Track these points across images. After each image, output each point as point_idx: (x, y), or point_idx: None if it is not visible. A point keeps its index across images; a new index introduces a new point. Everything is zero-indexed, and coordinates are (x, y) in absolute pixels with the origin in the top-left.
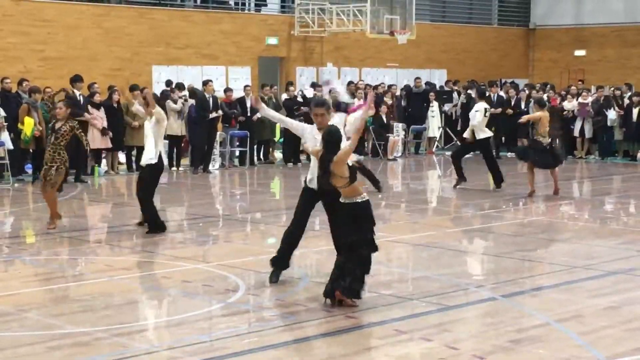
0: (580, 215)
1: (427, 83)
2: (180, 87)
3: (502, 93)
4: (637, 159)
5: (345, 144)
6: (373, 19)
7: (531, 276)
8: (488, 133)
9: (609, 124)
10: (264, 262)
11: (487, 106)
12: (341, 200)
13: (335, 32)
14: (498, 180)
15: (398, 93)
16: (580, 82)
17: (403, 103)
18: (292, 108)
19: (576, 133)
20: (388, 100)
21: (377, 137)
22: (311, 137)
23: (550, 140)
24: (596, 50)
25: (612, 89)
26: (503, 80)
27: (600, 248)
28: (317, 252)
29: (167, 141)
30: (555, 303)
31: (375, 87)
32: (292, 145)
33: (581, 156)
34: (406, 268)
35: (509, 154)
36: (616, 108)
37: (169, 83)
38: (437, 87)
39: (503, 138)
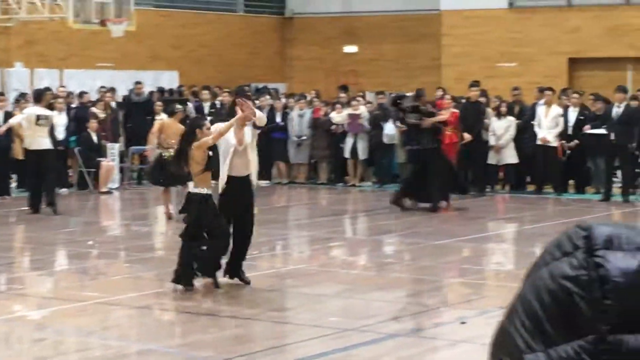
0: (354, 260)
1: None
2: None
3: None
4: None
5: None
6: (77, 4)
7: (288, 344)
8: None
9: (385, 140)
10: None
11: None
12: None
13: (26, 21)
14: None
15: (114, 103)
16: (343, 90)
17: (120, 117)
18: None
19: (347, 154)
20: (99, 112)
21: (84, 163)
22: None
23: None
24: (371, 45)
25: (393, 95)
26: (255, 86)
27: (379, 303)
28: None
29: None
30: None
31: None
32: None
33: (354, 184)
34: (127, 339)
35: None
36: (396, 121)
37: None
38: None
39: None
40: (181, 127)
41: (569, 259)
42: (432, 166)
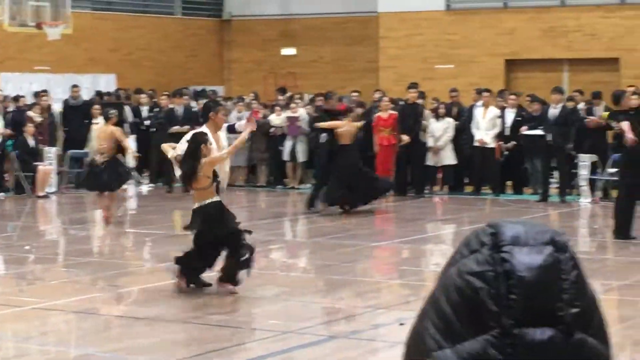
0: (293, 262)
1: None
2: None
3: (194, 104)
4: None
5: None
6: (13, 7)
7: (227, 348)
8: None
9: (321, 141)
10: None
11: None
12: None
13: None
14: None
15: (56, 106)
16: (281, 93)
17: (58, 120)
18: None
19: (286, 156)
20: (36, 116)
21: (22, 167)
22: None
23: (107, 159)
24: (310, 48)
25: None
26: (194, 89)
27: (318, 305)
28: None
29: None
30: None
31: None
32: None
33: (293, 186)
34: (65, 345)
35: None
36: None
37: None
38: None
39: None
40: (113, 130)
41: (475, 255)
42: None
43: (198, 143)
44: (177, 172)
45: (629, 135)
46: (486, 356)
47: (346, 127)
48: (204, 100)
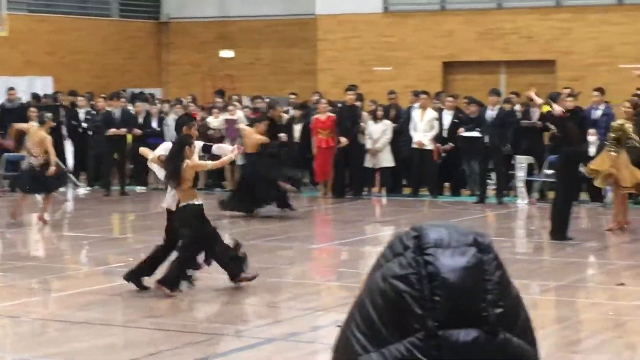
0: None
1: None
2: None
3: (130, 107)
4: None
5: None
6: None
7: (164, 351)
8: None
9: None
10: None
11: None
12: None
13: None
14: None
15: None
16: (219, 95)
17: None
18: None
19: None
20: None
21: None
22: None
23: (43, 162)
24: (247, 50)
25: (269, 100)
26: (132, 91)
27: (256, 307)
28: None
29: None
30: None
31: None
32: None
33: (231, 189)
34: (1, 349)
35: None
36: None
37: None
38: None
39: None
40: (43, 137)
41: (399, 259)
42: None
43: (182, 145)
44: (160, 173)
45: (557, 107)
46: (412, 359)
47: (248, 136)
48: (140, 103)
